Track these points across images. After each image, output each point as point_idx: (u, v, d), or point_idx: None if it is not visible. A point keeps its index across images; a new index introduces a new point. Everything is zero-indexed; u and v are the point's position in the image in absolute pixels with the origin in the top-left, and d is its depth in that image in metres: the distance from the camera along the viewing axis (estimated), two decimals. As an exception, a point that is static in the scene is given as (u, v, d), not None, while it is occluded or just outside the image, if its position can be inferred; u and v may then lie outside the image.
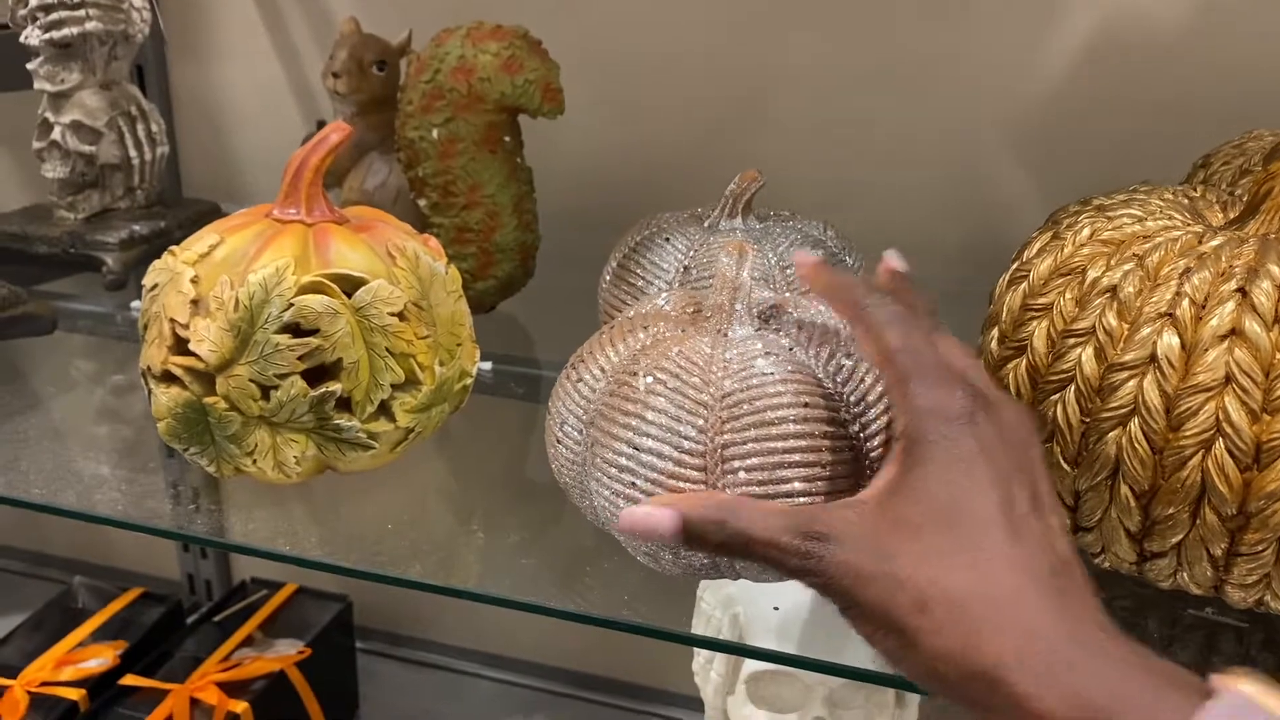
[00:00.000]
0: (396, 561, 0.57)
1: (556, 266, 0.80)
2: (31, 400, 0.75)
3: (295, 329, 0.49)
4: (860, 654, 0.59)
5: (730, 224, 0.62)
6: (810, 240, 0.61)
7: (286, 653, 0.97)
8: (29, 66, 0.80)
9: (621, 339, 0.47)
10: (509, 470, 0.69)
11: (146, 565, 1.23)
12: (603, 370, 0.47)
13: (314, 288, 0.49)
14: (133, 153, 0.84)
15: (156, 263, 0.53)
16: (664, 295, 0.51)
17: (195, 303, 0.49)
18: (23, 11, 0.80)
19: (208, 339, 0.48)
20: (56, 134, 0.81)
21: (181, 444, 0.51)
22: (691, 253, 0.60)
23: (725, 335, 0.46)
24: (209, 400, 0.49)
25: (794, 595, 0.58)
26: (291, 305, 0.49)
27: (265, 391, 0.49)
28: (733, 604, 0.63)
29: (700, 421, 0.43)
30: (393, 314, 0.50)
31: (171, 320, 0.49)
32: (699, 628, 0.65)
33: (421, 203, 0.73)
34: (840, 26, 0.83)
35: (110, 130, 0.82)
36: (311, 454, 0.51)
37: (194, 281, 0.49)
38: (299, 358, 0.49)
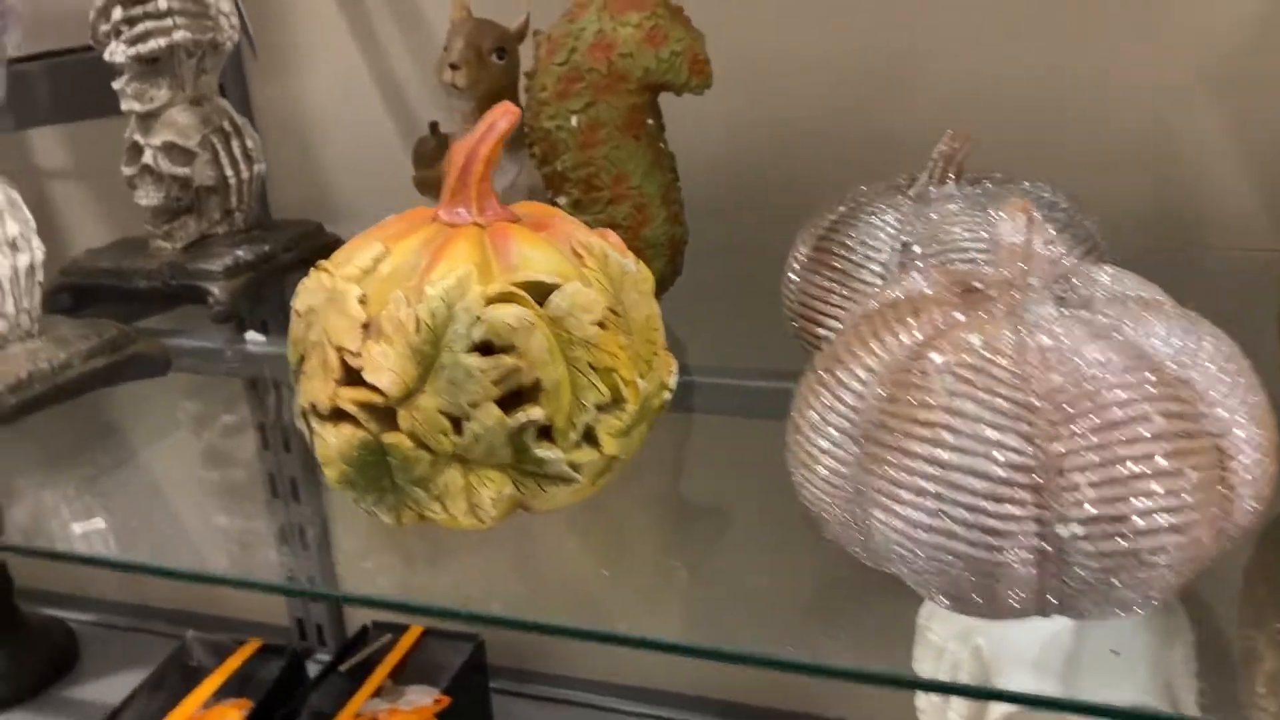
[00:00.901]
0: (572, 607, 0.49)
1: (697, 261, 0.72)
2: (145, 448, 0.68)
3: (485, 348, 0.41)
4: (1138, 692, 0.50)
5: (942, 191, 0.53)
6: (1044, 203, 0.52)
7: (421, 702, 0.89)
8: (115, 86, 0.74)
9: (887, 332, 0.39)
10: (671, 489, 0.61)
11: (253, 612, 1.17)
12: (872, 372, 0.38)
13: (503, 298, 0.41)
14: (229, 172, 0.77)
15: (306, 282, 0.45)
16: (916, 275, 0.42)
17: (366, 326, 0.42)
18: (105, 27, 0.73)
19: (387, 366, 0.41)
20: (148, 157, 0.75)
21: (356, 492, 0.44)
22: (907, 227, 0.52)
23: (1022, 317, 0.37)
24: (389, 439, 0.42)
25: (1058, 625, 0.49)
26: (480, 320, 0.41)
27: (456, 424, 0.41)
28: (973, 634, 0.54)
29: (1024, 427, 0.34)
30: (594, 323, 0.42)
31: (339, 349, 0.42)
32: (925, 661, 0.57)
33: (561, 200, 0.65)
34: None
35: (204, 149, 0.75)
36: (508, 493, 0.43)
37: (362, 301, 0.42)
38: (494, 382, 0.41)
